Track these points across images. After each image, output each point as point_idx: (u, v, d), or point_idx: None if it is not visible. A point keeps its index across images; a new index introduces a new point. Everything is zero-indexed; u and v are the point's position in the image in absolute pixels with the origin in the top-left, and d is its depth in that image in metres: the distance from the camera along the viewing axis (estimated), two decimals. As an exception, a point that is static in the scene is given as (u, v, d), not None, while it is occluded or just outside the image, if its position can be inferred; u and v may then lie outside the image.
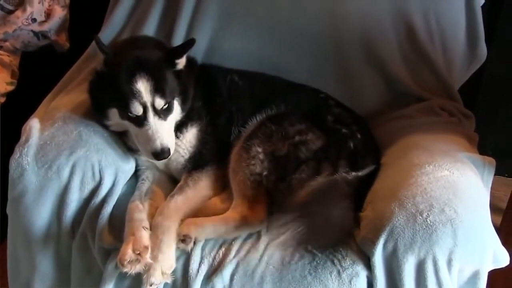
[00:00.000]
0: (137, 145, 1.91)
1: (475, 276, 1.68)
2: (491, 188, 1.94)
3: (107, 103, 1.87)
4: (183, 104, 1.93)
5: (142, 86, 1.80)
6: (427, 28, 2.40)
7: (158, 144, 1.82)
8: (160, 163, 2.01)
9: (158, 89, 1.82)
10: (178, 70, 1.91)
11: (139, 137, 1.87)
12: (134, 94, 1.80)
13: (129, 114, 1.83)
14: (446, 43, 2.42)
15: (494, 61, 2.55)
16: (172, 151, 1.86)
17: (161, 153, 1.83)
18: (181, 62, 1.92)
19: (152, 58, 1.88)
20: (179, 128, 1.98)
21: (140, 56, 1.87)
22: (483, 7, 2.43)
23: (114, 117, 1.89)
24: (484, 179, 1.91)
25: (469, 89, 2.54)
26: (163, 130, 1.84)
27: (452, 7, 2.41)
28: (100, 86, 1.90)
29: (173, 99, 1.88)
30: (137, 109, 1.82)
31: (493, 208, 1.80)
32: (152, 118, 1.83)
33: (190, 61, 1.99)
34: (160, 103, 1.83)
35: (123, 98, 1.81)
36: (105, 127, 1.97)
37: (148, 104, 1.82)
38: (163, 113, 1.86)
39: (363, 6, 2.38)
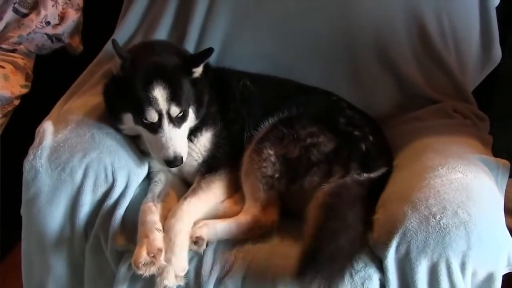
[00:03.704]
0: (149, 150, 1.92)
1: (489, 279, 1.67)
2: (506, 191, 1.92)
3: (122, 107, 1.88)
4: (197, 112, 1.94)
5: (159, 94, 1.81)
6: (440, 29, 2.38)
7: (171, 152, 1.83)
8: (173, 167, 2.01)
9: (174, 97, 1.82)
10: (194, 78, 1.92)
11: (152, 144, 1.87)
12: (150, 101, 1.80)
13: (144, 120, 1.83)
14: (459, 44, 2.40)
15: (508, 63, 2.51)
16: (184, 159, 1.87)
17: (174, 161, 1.84)
18: (198, 71, 1.92)
19: (170, 65, 1.88)
20: (194, 132, 1.98)
21: (157, 62, 1.87)
22: (497, 8, 2.41)
23: (128, 121, 1.90)
24: (498, 182, 1.89)
25: (483, 91, 2.51)
26: (176, 138, 1.84)
27: (465, 8, 2.39)
28: (115, 90, 1.90)
29: (188, 107, 1.88)
30: (153, 116, 1.82)
31: (507, 211, 1.79)
32: (166, 125, 1.83)
33: (205, 67, 1.98)
34: (175, 111, 1.84)
35: (139, 104, 1.81)
36: (118, 130, 1.98)
37: (164, 112, 1.82)
38: (178, 121, 1.86)
39: (375, 8, 2.37)
